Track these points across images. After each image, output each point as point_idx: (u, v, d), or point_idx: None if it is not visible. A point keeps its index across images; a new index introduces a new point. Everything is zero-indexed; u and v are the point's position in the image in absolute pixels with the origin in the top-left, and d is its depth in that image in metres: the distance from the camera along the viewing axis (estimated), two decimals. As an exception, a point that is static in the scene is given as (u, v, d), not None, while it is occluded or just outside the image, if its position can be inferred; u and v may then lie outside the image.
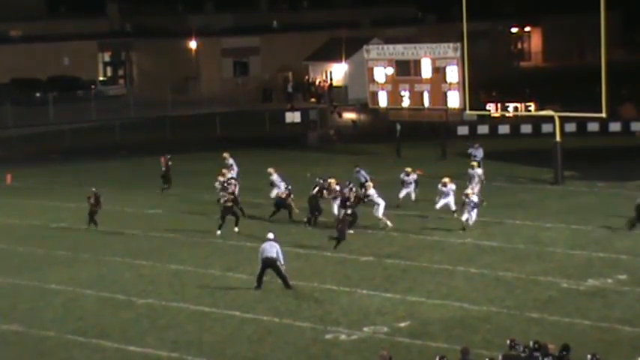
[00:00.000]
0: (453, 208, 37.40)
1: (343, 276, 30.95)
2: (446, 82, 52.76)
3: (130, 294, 29.78)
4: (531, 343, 20.47)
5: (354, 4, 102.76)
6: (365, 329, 25.99)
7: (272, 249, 29.61)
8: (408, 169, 40.18)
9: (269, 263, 29.56)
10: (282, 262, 29.68)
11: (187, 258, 33.76)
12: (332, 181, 37.76)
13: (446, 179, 37.62)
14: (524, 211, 39.06)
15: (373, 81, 55.13)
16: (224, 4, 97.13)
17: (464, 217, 35.70)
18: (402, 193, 39.73)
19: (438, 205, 37.43)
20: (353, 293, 29.15)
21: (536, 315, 26.68)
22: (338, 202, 36.75)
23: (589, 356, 19.87)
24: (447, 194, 37.30)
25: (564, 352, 20.29)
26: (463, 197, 36.05)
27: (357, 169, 41.76)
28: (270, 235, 30.11)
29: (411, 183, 39.91)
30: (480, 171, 40.77)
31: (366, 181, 39.40)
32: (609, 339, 24.66)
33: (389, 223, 36.29)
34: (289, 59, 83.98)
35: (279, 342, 25.44)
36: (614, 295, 28.30)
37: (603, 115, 44.19)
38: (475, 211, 35.76)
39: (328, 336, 25.65)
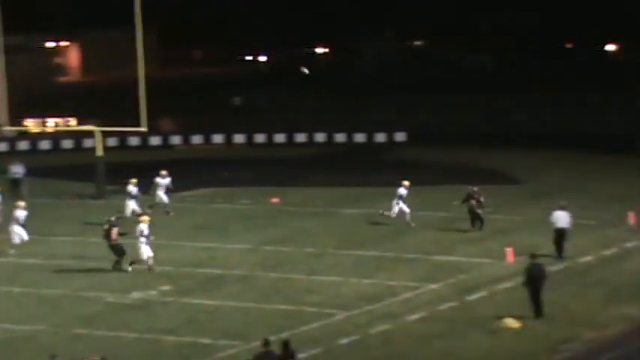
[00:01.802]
0: None
1: None
2: (-17, 97, 51.33)
3: None
4: None
5: None
6: None
7: None
8: None
9: None
10: None
11: None
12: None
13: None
14: (68, 226, 38.80)
15: None
16: None
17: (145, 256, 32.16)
18: None
19: None
20: None
21: (83, 331, 26.62)
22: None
23: None
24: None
25: None
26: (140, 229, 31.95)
27: None
28: None
29: None
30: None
31: None
32: (154, 349, 25.12)
33: None
34: None
35: None
36: (158, 306, 28.86)
37: (144, 129, 44.99)
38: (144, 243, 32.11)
39: None
